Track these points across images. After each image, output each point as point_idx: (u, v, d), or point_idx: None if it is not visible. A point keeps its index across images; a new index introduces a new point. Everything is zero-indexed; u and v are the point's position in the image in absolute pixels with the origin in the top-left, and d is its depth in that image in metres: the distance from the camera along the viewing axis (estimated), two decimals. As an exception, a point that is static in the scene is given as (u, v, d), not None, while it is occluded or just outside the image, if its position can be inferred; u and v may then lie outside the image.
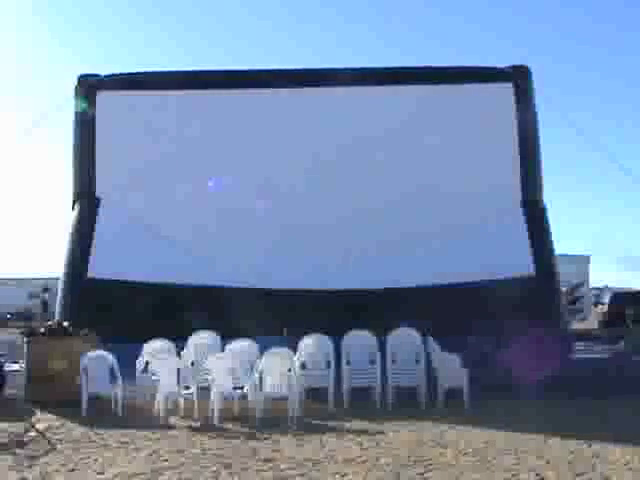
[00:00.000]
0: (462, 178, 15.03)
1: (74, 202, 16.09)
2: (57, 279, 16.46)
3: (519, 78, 15.87)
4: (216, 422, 9.06)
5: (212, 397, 9.33)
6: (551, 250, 15.15)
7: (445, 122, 15.51)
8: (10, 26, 72.68)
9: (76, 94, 16.12)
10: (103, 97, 15.96)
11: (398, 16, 76.97)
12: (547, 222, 15.43)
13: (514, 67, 16.05)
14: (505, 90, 15.73)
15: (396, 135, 15.29)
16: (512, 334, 11.81)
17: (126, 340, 11.33)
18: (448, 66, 16.51)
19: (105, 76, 16.29)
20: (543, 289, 14.32)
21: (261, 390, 9.41)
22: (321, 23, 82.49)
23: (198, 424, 9.13)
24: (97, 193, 15.81)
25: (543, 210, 15.53)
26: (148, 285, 14.42)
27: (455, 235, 14.37)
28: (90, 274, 14.87)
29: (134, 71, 16.49)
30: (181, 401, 9.78)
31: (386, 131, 15.22)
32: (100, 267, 14.81)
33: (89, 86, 16.04)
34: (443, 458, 7.09)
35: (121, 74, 16.36)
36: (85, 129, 15.97)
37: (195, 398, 9.56)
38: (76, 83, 16.20)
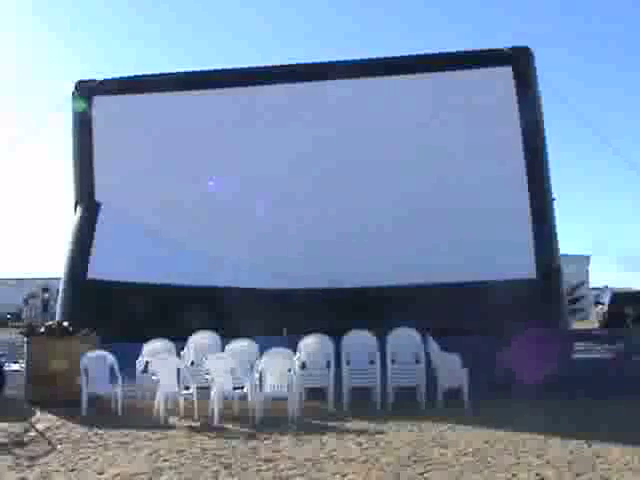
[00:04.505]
0: (463, 174, 14.58)
1: (76, 204, 16.14)
2: (57, 279, 16.49)
3: (519, 60, 14.95)
4: (216, 422, 9.06)
5: (212, 397, 9.34)
6: (555, 250, 14.81)
7: (442, 114, 14.93)
8: (10, 26, 72.71)
9: (74, 99, 16.16)
10: (100, 101, 16.00)
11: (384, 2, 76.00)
12: (553, 219, 14.87)
13: (514, 48, 15.11)
14: (504, 74, 14.85)
15: (393, 130, 14.89)
16: (512, 334, 11.80)
17: (126, 340, 11.34)
18: (440, 52, 15.73)
19: (102, 81, 16.31)
20: (545, 290, 14.19)
21: (261, 390, 9.42)
22: (308, 16, 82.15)
23: (198, 424, 9.14)
24: (97, 195, 15.85)
25: (550, 207, 14.95)
26: (148, 285, 14.43)
27: (456, 234, 14.26)
28: (90, 275, 14.89)
29: (130, 75, 16.52)
30: (181, 401, 9.78)
31: (383, 126, 14.88)
32: (100, 268, 14.83)
33: (86, 91, 16.07)
34: (443, 458, 7.10)
35: (117, 78, 16.39)
36: (83, 134, 16.03)
37: (195, 398, 9.56)
38: (73, 89, 16.25)
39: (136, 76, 16.45)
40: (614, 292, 29.73)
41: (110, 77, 16.48)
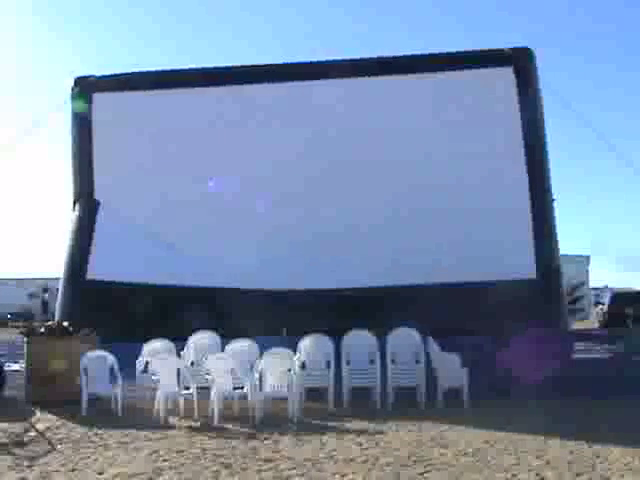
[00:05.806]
0: (463, 174, 14.61)
1: (74, 202, 16.11)
2: (57, 279, 16.48)
3: (520, 61, 15.04)
4: (216, 422, 9.06)
5: (212, 397, 9.33)
6: (554, 250, 14.79)
7: (442, 114, 14.97)
8: (10, 26, 72.72)
9: (73, 96, 16.13)
10: (99, 99, 15.97)
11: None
12: (553, 219, 14.85)
13: (514, 49, 15.21)
14: (505, 74, 14.92)
15: (394, 130, 14.92)
16: (512, 334, 11.80)
17: (126, 340, 11.34)
18: (441, 52, 15.81)
19: (100, 77, 16.26)
20: (545, 291, 14.18)
21: (261, 390, 9.42)
22: (308, 16, 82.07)
23: (198, 424, 9.13)
24: (96, 194, 15.85)
25: (550, 206, 14.93)
26: (148, 285, 14.43)
27: (457, 234, 14.25)
28: (90, 275, 14.89)
29: (129, 71, 16.46)
30: (181, 401, 9.78)
31: (384, 126, 14.92)
32: (100, 268, 14.83)
33: (85, 88, 16.05)
34: (443, 458, 7.09)
35: (116, 74, 16.34)
36: (83, 131, 16.01)
37: (195, 398, 9.55)
38: (72, 85, 16.22)
39: (134, 73, 16.39)
40: (614, 292, 29.76)
41: (109, 73, 16.45)
